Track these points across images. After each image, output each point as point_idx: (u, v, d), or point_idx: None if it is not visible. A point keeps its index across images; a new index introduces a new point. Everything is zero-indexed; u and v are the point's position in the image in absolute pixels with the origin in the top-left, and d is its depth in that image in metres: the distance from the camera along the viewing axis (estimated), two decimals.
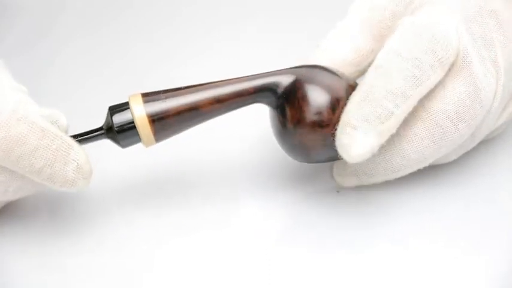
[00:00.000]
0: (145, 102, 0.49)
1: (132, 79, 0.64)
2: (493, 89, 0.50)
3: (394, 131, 0.48)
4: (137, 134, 0.49)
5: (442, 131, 0.49)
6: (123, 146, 0.50)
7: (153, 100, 0.49)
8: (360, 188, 0.52)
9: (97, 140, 0.50)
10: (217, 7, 0.71)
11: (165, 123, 0.49)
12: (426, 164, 0.50)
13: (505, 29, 0.51)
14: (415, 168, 0.50)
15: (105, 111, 0.50)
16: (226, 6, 0.71)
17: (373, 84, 0.48)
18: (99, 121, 0.50)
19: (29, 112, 0.48)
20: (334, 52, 0.53)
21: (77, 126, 0.50)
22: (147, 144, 0.49)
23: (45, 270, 0.49)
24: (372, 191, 0.52)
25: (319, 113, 0.48)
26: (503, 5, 0.52)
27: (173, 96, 0.50)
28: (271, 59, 0.64)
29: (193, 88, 0.50)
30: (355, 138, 0.47)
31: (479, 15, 0.51)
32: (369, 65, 0.52)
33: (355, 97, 0.48)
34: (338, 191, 0.53)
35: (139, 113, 0.49)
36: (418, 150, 0.49)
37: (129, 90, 0.62)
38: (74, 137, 0.49)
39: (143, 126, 0.49)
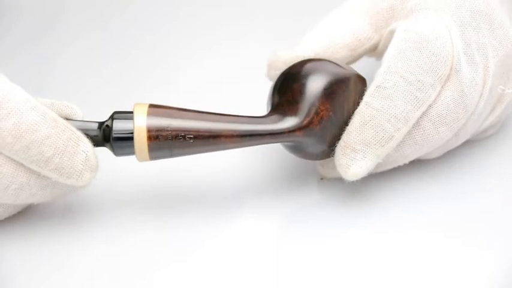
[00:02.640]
0: (149, 115, 0.48)
1: (132, 79, 0.64)
2: (478, 93, 0.51)
3: (390, 151, 0.49)
4: (132, 146, 0.48)
5: (423, 133, 0.50)
6: (116, 154, 0.49)
7: (158, 116, 0.48)
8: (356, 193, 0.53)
9: (87, 129, 0.49)
10: (217, 7, 0.71)
11: (163, 144, 0.48)
12: (406, 162, 0.52)
13: (497, 33, 0.51)
14: (395, 165, 0.52)
15: (105, 111, 0.50)
16: (226, 6, 0.71)
17: (376, 107, 0.49)
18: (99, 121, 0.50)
19: (41, 103, 0.48)
20: (332, 33, 0.53)
21: None
22: (140, 160, 0.49)
23: (44, 269, 0.50)
24: (369, 193, 0.53)
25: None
26: (498, 6, 0.52)
27: (183, 117, 0.49)
28: None
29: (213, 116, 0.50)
30: (354, 160, 0.49)
31: (474, 19, 0.51)
32: (364, 52, 0.53)
33: (358, 118, 0.49)
34: (321, 179, 0.54)
35: (138, 126, 0.48)
36: (399, 149, 0.50)
37: (129, 91, 0.63)
38: None
39: (140, 140, 0.48)
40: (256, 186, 0.54)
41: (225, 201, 0.53)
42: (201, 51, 0.67)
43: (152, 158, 0.48)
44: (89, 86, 0.64)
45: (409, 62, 0.49)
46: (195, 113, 0.49)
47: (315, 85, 0.49)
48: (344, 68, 0.50)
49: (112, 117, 0.49)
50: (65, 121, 0.48)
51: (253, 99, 0.59)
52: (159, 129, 0.48)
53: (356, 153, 0.49)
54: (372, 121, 0.49)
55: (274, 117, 0.49)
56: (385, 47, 0.53)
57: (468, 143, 0.55)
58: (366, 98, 0.49)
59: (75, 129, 0.48)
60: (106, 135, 0.49)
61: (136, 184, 0.55)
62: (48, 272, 0.50)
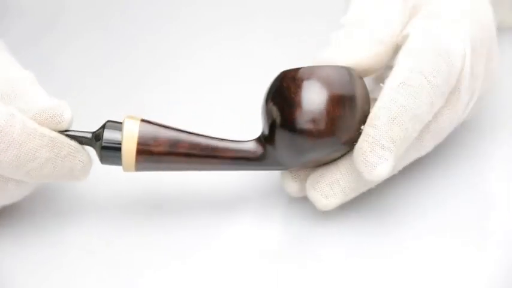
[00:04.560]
0: (140, 129, 0.48)
1: (132, 79, 0.64)
2: (465, 114, 0.52)
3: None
4: (119, 156, 0.48)
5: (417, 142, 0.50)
6: (102, 162, 0.49)
7: (148, 129, 0.48)
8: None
9: (81, 141, 0.49)
10: (217, 7, 0.71)
11: (150, 158, 0.48)
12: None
13: (489, 66, 0.52)
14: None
15: (105, 112, 0.50)
16: (226, 6, 0.71)
17: (402, 104, 0.47)
18: (98, 121, 0.50)
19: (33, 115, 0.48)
20: (373, 35, 0.51)
21: (75, 127, 0.50)
22: (126, 165, 0.49)
23: (43, 269, 0.50)
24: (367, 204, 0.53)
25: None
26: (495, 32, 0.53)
27: (171, 136, 0.48)
28: (271, 59, 0.64)
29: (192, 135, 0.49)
30: (383, 159, 0.47)
31: (481, 43, 0.51)
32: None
33: (385, 114, 0.47)
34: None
35: (131, 120, 0.48)
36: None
37: (129, 91, 0.63)
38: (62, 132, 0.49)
39: (128, 153, 0.48)
40: (259, 187, 0.54)
41: (226, 202, 0.53)
42: (201, 51, 0.67)
43: (138, 170, 0.49)
44: (88, 86, 0.64)
45: (432, 65, 0.48)
46: (188, 133, 0.49)
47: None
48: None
49: (104, 126, 0.49)
50: (62, 137, 0.48)
51: (253, 99, 0.59)
52: (148, 143, 0.48)
53: (384, 150, 0.47)
54: (398, 118, 0.47)
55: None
56: (399, 45, 0.52)
57: (462, 145, 0.55)
58: (391, 93, 0.48)
59: (72, 143, 0.49)
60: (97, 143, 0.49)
61: (135, 185, 0.55)
62: (47, 272, 0.50)
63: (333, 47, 0.50)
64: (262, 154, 0.49)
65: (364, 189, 0.50)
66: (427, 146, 0.51)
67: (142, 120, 0.49)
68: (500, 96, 0.59)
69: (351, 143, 0.48)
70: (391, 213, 0.52)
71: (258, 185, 0.54)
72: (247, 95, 0.58)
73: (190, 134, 0.49)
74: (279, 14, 0.70)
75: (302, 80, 0.47)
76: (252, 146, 0.49)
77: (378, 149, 0.47)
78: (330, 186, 0.49)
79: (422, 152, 0.51)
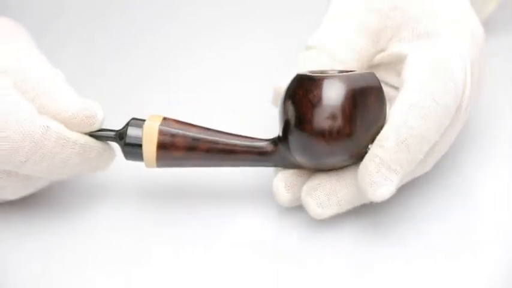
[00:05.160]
0: (164, 121, 0.49)
1: (132, 79, 0.64)
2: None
3: None
4: (141, 153, 0.49)
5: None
6: (126, 157, 0.50)
7: (169, 127, 0.49)
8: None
9: (109, 140, 0.50)
10: (217, 7, 0.71)
11: (170, 155, 0.49)
12: None
13: (478, 84, 0.52)
14: None
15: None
16: (226, 6, 0.71)
17: (412, 126, 0.47)
18: None
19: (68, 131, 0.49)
20: (333, 54, 0.52)
21: None
22: (148, 163, 0.50)
23: (42, 258, 0.50)
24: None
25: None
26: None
27: (191, 132, 0.49)
28: (271, 59, 0.64)
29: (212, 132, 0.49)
30: (388, 180, 0.46)
31: (475, 60, 0.51)
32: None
33: (394, 136, 0.47)
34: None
35: (151, 124, 0.49)
36: None
37: (129, 91, 0.63)
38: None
39: (148, 139, 0.49)
40: (266, 181, 0.54)
41: (230, 199, 0.53)
42: (201, 51, 0.67)
43: (159, 166, 0.50)
44: (88, 85, 0.63)
45: (441, 86, 0.48)
46: (208, 130, 0.49)
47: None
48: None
49: (128, 124, 0.50)
50: (91, 141, 0.50)
51: (253, 99, 0.59)
52: (172, 130, 0.49)
53: (390, 172, 0.46)
54: (407, 140, 0.47)
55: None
56: (385, 63, 0.53)
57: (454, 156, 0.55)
58: (401, 115, 0.47)
59: (99, 144, 0.50)
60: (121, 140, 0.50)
61: (138, 178, 0.55)
62: (54, 258, 0.50)
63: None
64: (277, 154, 0.49)
65: (359, 203, 0.50)
66: (429, 165, 0.50)
67: (165, 118, 0.49)
68: (490, 107, 0.59)
69: (363, 154, 0.47)
70: (390, 219, 0.52)
71: (264, 183, 0.54)
72: (247, 95, 0.58)
73: (209, 133, 0.49)
74: (279, 14, 0.70)
75: (322, 80, 0.47)
76: (267, 147, 0.49)
77: (384, 171, 0.46)
78: (328, 196, 0.49)
79: (423, 171, 0.51)
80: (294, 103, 0.47)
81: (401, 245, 0.50)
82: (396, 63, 0.52)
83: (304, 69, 0.50)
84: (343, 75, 0.47)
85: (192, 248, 0.50)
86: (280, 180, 0.50)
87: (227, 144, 0.49)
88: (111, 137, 0.50)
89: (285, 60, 0.54)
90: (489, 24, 0.64)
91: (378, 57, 0.53)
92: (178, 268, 0.49)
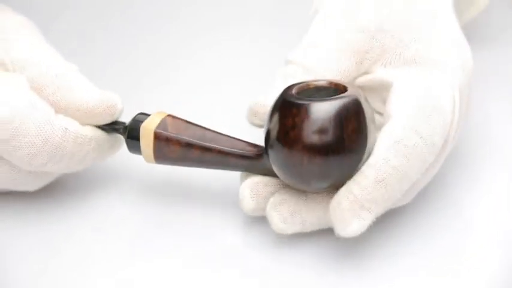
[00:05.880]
0: (161, 122, 0.49)
1: (132, 79, 0.64)
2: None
3: None
4: (139, 145, 0.50)
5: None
6: (129, 151, 0.51)
7: (165, 131, 0.49)
8: None
9: (116, 132, 0.51)
10: (217, 7, 0.71)
11: (165, 153, 0.49)
12: None
13: (463, 108, 0.51)
14: None
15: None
16: (226, 6, 0.71)
17: (394, 165, 0.45)
18: None
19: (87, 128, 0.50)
20: (316, 72, 0.50)
21: None
22: (147, 160, 0.50)
23: (48, 246, 0.50)
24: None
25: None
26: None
27: (190, 132, 0.49)
28: (271, 59, 0.64)
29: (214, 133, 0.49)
30: (359, 218, 0.45)
31: (464, 88, 0.50)
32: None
33: (373, 174, 0.45)
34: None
35: (148, 126, 0.49)
36: None
37: (129, 91, 0.63)
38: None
39: (145, 142, 0.49)
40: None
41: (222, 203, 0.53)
42: (201, 51, 0.67)
43: (158, 162, 0.50)
44: None
45: (428, 123, 0.46)
46: (205, 131, 0.49)
47: None
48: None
49: (133, 118, 0.51)
50: (105, 136, 0.51)
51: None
52: (167, 134, 0.49)
53: (363, 210, 0.45)
54: (386, 180, 0.45)
55: None
56: (368, 87, 0.51)
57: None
58: (383, 152, 0.45)
59: (112, 137, 0.51)
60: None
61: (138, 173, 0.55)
62: (55, 249, 0.50)
63: (273, 92, 0.49)
64: (264, 163, 0.48)
65: (325, 227, 0.48)
66: (408, 198, 0.49)
67: (169, 116, 0.50)
68: (477, 126, 0.58)
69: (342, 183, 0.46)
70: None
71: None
72: (247, 95, 0.58)
73: (206, 137, 0.49)
74: (279, 14, 0.70)
75: (307, 105, 0.45)
76: (257, 155, 0.48)
77: (357, 209, 0.45)
78: (291, 214, 0.47)
79: (401, 204, 0.49)
80: (279, 119, 0.45)
81: (397, 239, 0.50)
82: (381, 90, 0.50)
83: (284, 85, 0.49)
84: (329, 100, 0.45)
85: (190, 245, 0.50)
86: (246, 188, 0.48)
87: (220, 151, 0.48)
88: (118, 130, 0.51)
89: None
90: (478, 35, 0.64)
91: (361, 80, 0.51)
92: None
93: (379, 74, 0.50)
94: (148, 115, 0.50)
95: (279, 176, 0.47)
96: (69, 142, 0.49)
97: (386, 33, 0.50)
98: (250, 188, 0.48)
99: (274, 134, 0.46)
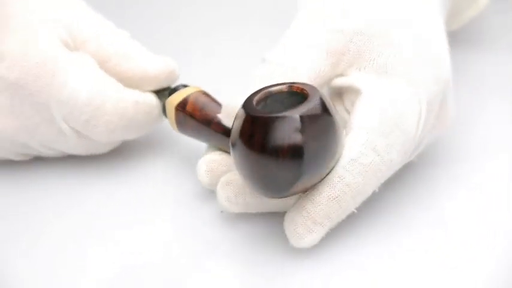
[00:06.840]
0: (190, 94, 0.52)
1: None
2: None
3: None
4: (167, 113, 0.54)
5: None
6: (164, 115, 0.54)
7: (183, 111, 0.52)
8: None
9: (163, 97, 0.54)
10: (217, 7, 0.71)
11: (185, 121, 0.52)
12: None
13: (441, 108, 0.51)
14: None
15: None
16: (226, 6, 0.71)
17: (348, 182, 0.46)
18: None
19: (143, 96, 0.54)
20: (291, 75, 0.49)
21: None
22: (173, 127, 0.54)
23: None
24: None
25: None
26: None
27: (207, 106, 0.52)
28: None
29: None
30: (312, 232, 0.46)
31: (434, 97, 0.49)
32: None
33: (327, 191, 0.46)
34: (221, 211, 0.51)
35: (173, 99, 0.53)
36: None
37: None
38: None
39: (170, 110, 0.53)
40: None
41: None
42: (201, 51, 0.67)
43: (180, 132, 0.53)
44: None
45: (387, 140, 0.47)
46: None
47: None
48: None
49: (174, 88, 0.54)
50: (156, 101, 0.54)
51: None
52: (183, 119, 0.52)
53: (316, 225, 0.46)
54: (340, 197, 0.46)
55: None
56: (343, 88, 0.51)
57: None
58: (339, 170, 0.46)
59: (160, 103, 0.55)
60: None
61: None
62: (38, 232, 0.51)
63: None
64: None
65: (269, 211, 0.49)
66: (358, 203, 0.48)
67: (200, 91, 0.53)
68: (477, 127, 0.58)
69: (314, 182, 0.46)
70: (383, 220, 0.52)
71: None
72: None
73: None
74: (279, 14, 0.70)
75: (274, 119, 0.44)
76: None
77: (309, 224, 0.46)
78: (235, 195, 0.49)
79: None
80: (239, 126, 0.45)
81: (397, 238, 0.50)
82: (351, 93, 0.50)
83: (260, 85, 0.48)
84: (291, 112, 0.44)
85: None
86: (203, 163, 0.51)
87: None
88: (165, 95, 0.54)
89: None
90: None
91: (337, 82, 0.51)
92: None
93: (352, 77, 0.50)
94: (186, 86, 0.54)
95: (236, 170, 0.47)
96: (141, 113, 0.53)
97: (364, 36, 0.50)
98: (206, 164, 0.51)
99: (235, 135, 0.45)
